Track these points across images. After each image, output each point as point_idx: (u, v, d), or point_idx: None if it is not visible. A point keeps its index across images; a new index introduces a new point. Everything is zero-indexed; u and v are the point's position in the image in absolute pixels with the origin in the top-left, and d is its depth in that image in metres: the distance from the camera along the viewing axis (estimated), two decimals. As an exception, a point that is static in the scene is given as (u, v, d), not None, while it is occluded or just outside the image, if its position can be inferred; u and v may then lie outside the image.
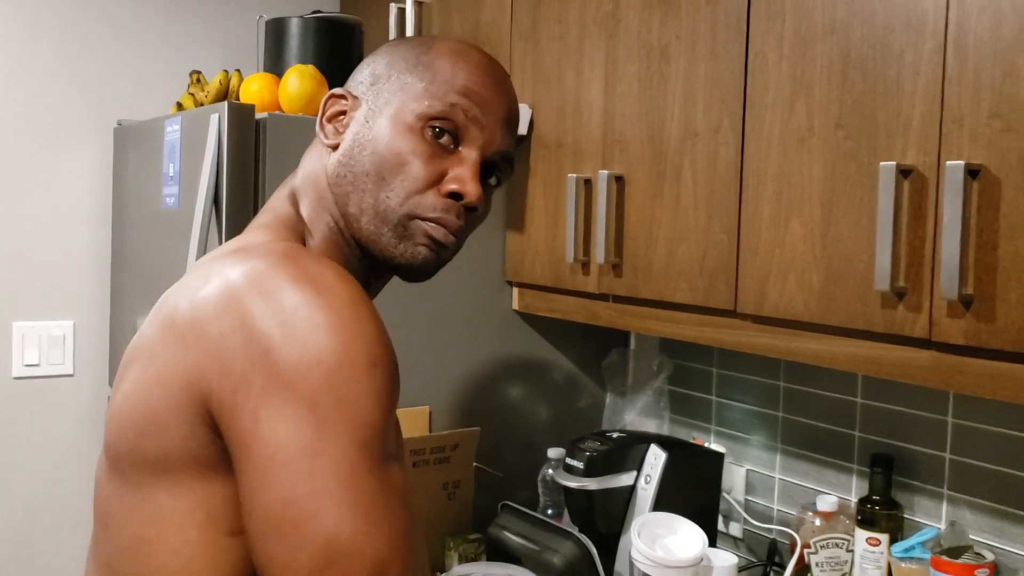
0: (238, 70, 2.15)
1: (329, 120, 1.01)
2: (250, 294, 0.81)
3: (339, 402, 0.78)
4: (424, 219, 0.96)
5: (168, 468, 0.84)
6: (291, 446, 0.76)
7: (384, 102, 0.98)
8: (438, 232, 0.96)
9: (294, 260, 0.85)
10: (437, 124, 0.96)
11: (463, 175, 0.96)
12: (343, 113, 1.01)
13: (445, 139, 0.97)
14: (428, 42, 1.01)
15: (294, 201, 1.02)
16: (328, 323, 0.79)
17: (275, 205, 1.02)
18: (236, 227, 1.74)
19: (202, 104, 2.12)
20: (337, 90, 1.02)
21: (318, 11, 2.09)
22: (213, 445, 0.82)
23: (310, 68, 1.92)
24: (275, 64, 2.07)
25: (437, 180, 0.96)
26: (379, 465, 0.79)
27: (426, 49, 1.00)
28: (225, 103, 1.73)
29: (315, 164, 1.02)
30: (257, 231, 0.98)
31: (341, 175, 0.98)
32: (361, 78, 1.02)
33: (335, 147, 0.99)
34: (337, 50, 2.07)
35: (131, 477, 0.86)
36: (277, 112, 1.81)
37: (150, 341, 0.87)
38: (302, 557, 0.75)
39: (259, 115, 1.77)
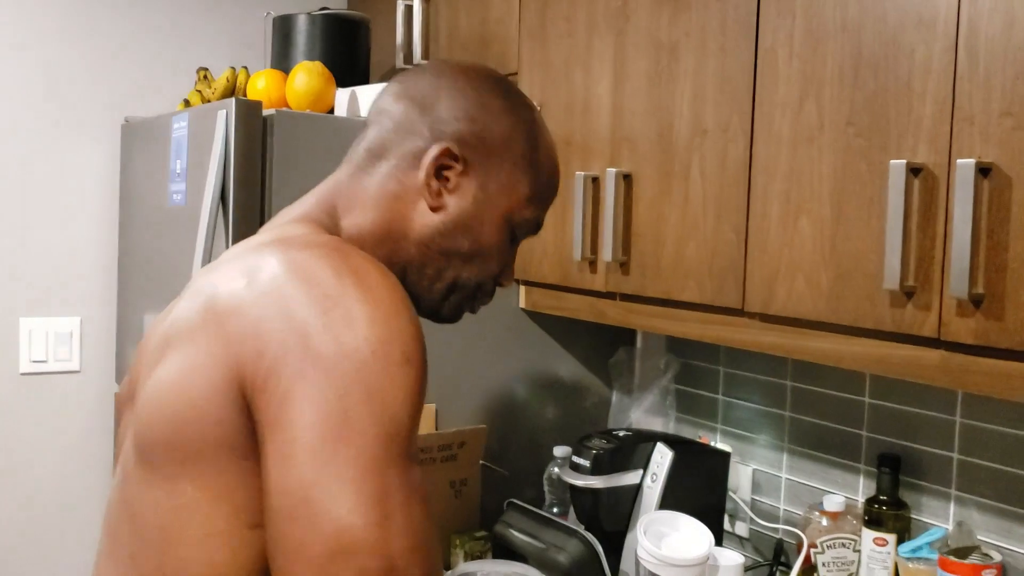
0: (245, 67, 2.15)
1: (436, 175, 1.01)
2: (292, 281, 0.83)
3: (369, 393, 0.78)
4: (478, 297, 1.07)
5: (200, 455, 0.84)
6: (316, 431, 0.77)
7: (495, 191, 1.02)
8: (479, 305, 1.08)
9: (338, 251, 0.87)
10: (525, 231, 1.07)
11: (512, 268, 1.09)
12: (449, 170, 1.01)
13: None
14: (536, 131, 1.06)
15: (332, 208, 1.01)
16: (366, 315, 0.81)
17: (310, 208, 1.02)
18: (243, 223, 1.74)
19: (209, 101, 2.12)
20: (452, 147, 1.01)
21: (325, 8, 2.09)
22: (245, 431, 0.83)
23: (317, 65, 1.92)
24: (282, 61, 2.07)
25: (502, 271, 1.07)
26: (401, 461, 0.79)
27: (534, 143, 1.05)
28: (232, 100, 1.73)
29: (393, 202, 1.01)
30: (293, 224, 0.98)
31: (435, 241, 1.01)
32: (472, 133, 1.02)
33: (436, 210, 1.01)
34: (344, 47, 2.07)
35: (160, 467, 0.85)
36: (284, 109, 1.81)
37: (188, 327, 0.87)
38: (313, 543, 0.76)
39: (266, 112, 1.77)
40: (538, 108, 1.08)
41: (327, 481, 0.76)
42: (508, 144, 1.03)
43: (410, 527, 0.78)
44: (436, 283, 1.03)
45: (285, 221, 1.00)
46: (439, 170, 1.00)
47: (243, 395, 0.82)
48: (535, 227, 1.08)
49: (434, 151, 0.99)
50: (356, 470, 0.76)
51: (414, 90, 1.02)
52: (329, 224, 1.00)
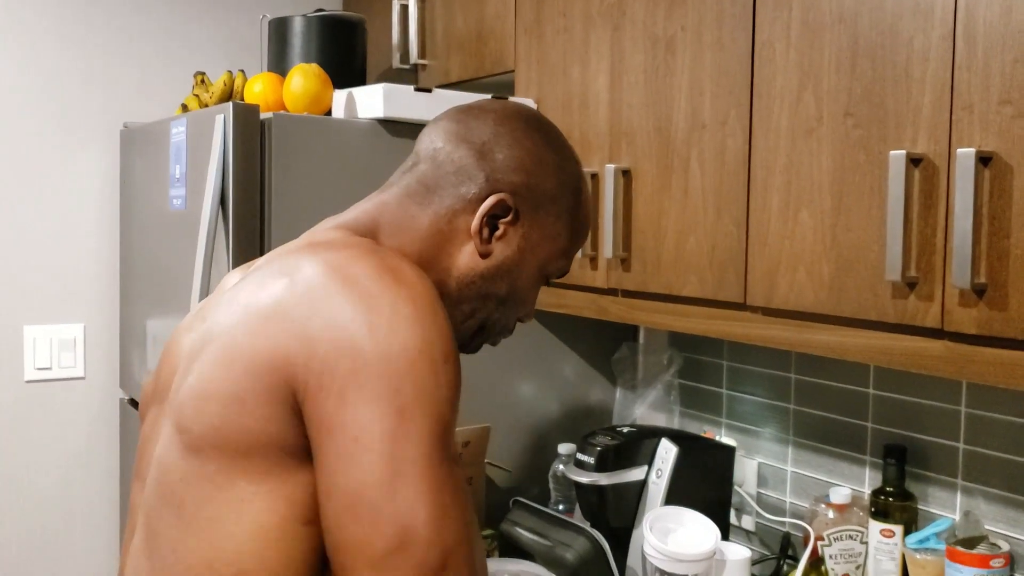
0: (242, 70, 2.15)
1: (487, 221, 1.04)
2: (334, 281, 0.85)
3: (419, 391, 0.81)
4: (501, 334, 1.11)
5: (250, 452, 0.85)
6: (374, 430, 0.79)
7: (537, 240, 1.07)
8: (499, 340, 1.12)
9: (374, 252, 0.89)
10: (555, 276, 1.12)
11: (534, 307, 1.14)
12: (500, 219, 1.04)
13: None
14: (580, 187, 1.10)
15: (374, 226, 1.03)
16: (409, 313, 0.83)
17: (349, 221, 1.03)
18: (243, 227, 1.74)
19: (207, 105, 2.12)
20: (508, 198, 1.04)
21: (320, 9, 2.09)
22: (296, 429, 0.84)
23: (314, 67, 1.91)
24: (279, 64, 2.07)
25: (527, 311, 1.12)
26: (448, 457, 0.82)
27: (578, 199, 1.10)
28: (230, 104, 1.73)
29: (442, 239, 1.03)
30: (328, 231, 1.01)
31: (475, 284, 1.04)
32: (526, 185, 1.05)
33: (483, 255, 1.04)
34: (340, 48, 2.07)
35: (211, 458, 0.86)
36: (282, 112, 1.81)
37: (226, 328, 0.88)
38: (377, 540, 0.78)
39: (264, 115, 1.77)
40: (580, 162, 1.14)
41: (386, 480, 0.78)
42: (556, 198, 1.07)
43: (461, 519, 0.81)
44: (468, 320, 1.06)
45: (321, 229, 1.03)
46: (491, 217, 1.04)
47: (293, 396, 0.83)
48: (565, 272, 1.12)
49: (491, 201, 1.03)
50: (414, 467, 0.79)
51: (475, 135, 1.05)
52: (369, 236, 1.02)
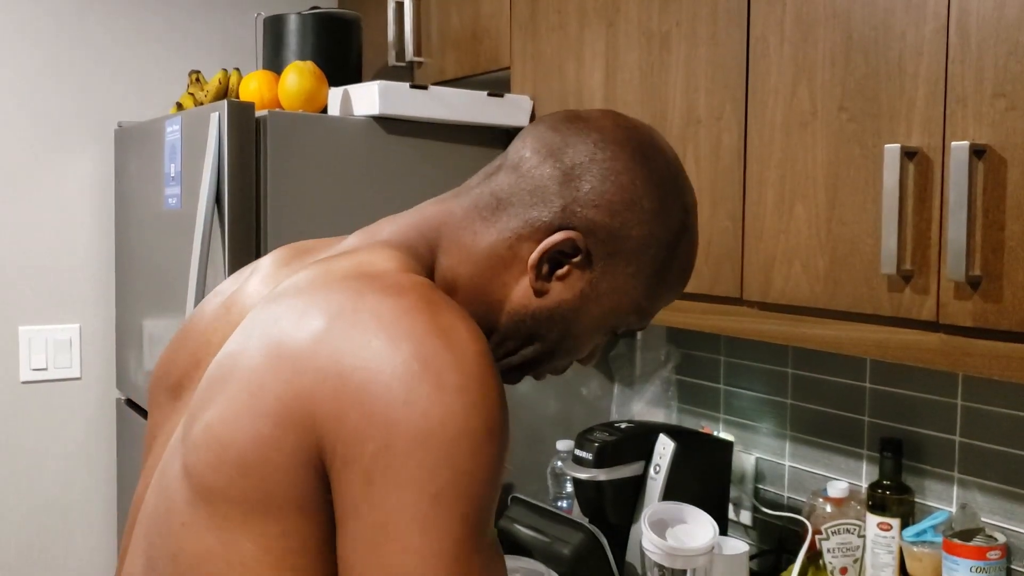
0: (237, 68, 2.15)
1: (551, 256, 0.90)
2: (378, 337, 0.75)
3: (456, 475, 0.72)
4: (548, 373, 0.98)
5: (264, 511, 0.77)
6: (403, 517, 0.71)
7: (606, 291, 0.91)
8: (544, 376, 0.98)
9: (429, 304, 0.78)
10: (626, 332, 0.97)
11: (599, 351, 0.99)
12: (566, 257, 0.90)
13: None
14: (679, 244, 0.93)
15: (435, 237, 0.92)
16: (455, 384, 0.74)
17: (409, 229, 0.93)
18: (239, 225, 1.74)
19: (202, 104, 2.12)
20: (578, 238, 0.89)
21: (316, 7, 2.09)
22: (321, 496, 0.76)
23: (309, 64, 1.91)
24: (274, 61, 2.07)
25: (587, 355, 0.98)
26: (484, 545, 0.74)
27: (670, 257, 0.93)
28: (224, 102, 1.73)
29: (500, 267, 0.91)
30: (383, 250, 0.89)
31: (525, 323, 0.92)
32: (606, 227, 0.89)
33: (537, 293, 0.91)
34: (336, 46, 2.07)
35: (219, 512, 0.78)
36: (277, 110, 1.81)
37: (252, 366, 0.79)
38: None
39: (259, 113, 1.76)
40: (694, 209, 0.96)
41: (411, 573, 0.71)
42: (640, 252, 0.91)
43: None
44: (511, 357, 0.94)
45: (377, 241, 0.91)
46: (557, 253, 0.90)
47: (320, 458, 0.75)
48: (639, 330, 0.98)
49: (559, 237, 0.88)
50: (443, 563, 0.71)
51: (567, 153, 0.90)
52: (425, 255, 0.91)
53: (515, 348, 0.93)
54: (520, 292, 0.91)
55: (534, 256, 0.89)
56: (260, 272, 0.98)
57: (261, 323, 0.82)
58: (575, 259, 0.90)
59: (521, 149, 0.93)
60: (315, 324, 0.78)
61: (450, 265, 0.91)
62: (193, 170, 1.85)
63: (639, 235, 0.90)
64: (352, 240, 0.95)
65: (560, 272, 0.90)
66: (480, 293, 0.91)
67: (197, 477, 0.80)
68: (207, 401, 0.82)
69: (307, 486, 0.76)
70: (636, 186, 0.90)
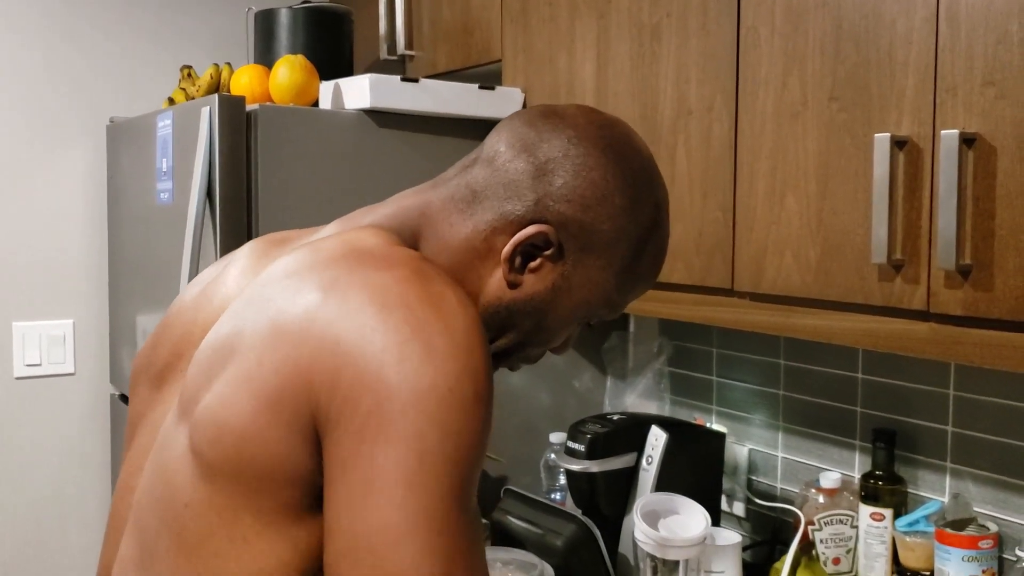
0: (229, 63, 2.15)
1: (524, 249, 0.92)
2: (370, 305, 0.78)
3: (444, 435, 0.74)
4: (522, 361, 1.00)
5: (264, 488, 0.79)
6: (390, 473, 0.73)
7: (578, 284, 0.94)
8: (519, 366, 1.01)
9: (419, 275, 0.81)
10: (599, 321, 0.99)
11: (571, 341, 1.01)
12: (538, 250, 0.92)
13: None
14: (649, 238, 0.96)
15: (415, 227, 0.94)
16: (445, 349, 0.76)
17: (389, 218, 0.94)
18: (231, 219, 1.74)
19: (194, 98, 2.11)
20: (550, 231, 0.91)
21: (307, 1, 2.08)
22: (315, 465, 0.78)
23: (299, 58, 1.91)
24: (265, 56, 2.06)
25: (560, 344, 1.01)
26: (467, 507, 0.76)
27: (640, 250, 0.95)
28: (215, 96, 1.72)
29: (475, 258, 0.93)
30: (368, 232, 0.91)
31: (499, 313, 0.94)
32: (578, 221, 0.92)
33: (510, 284, 0.93)
34: (327, 39, 2.06)
35: (222, 490, 0.80)
36: (268, 103, 1.80)
37: (251, 345, 0.81)
38: None
39: (250, 107, 1.76)
40: (664, 205, 0.98)
41: (395, 528, 0.72)
42: (611, 246, 0.93)
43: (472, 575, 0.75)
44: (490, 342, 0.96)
45: (359, 225, 0.93)
46: (530, 246, 0.92)
47: (315, 429, 0.77)
48: (612, 320, 1.00)
49: (530, 230, 0.91)
50: (426, 518, 0.73)
51: (541, 148, 0.92)
52: (409, 240, 0.93)
53: (490, 338, 0.95)
54: (494, 284, 0.93)
55: (507, 249, 0.91)
56: (238, 263, 0.99)
57: (255, 305, 0.84)
58: (547, 252, 0.92)
59: (496, 143, 0.95)
60: (310, 298, 0.80)
61: (430, 254, 0.93)
62: (185, 165, 1.85)
63: (610, 230, 0.93)
64: (332, 227, 0.97)
65: (533, 265, 0.92)
66: (458, 282, 0.92)
67: (200, 455, 0.81)
68: (205, 383, 0.83)
69: (303, 457, 0.78)
70: (608, 182, 0.92)
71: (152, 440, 0.95)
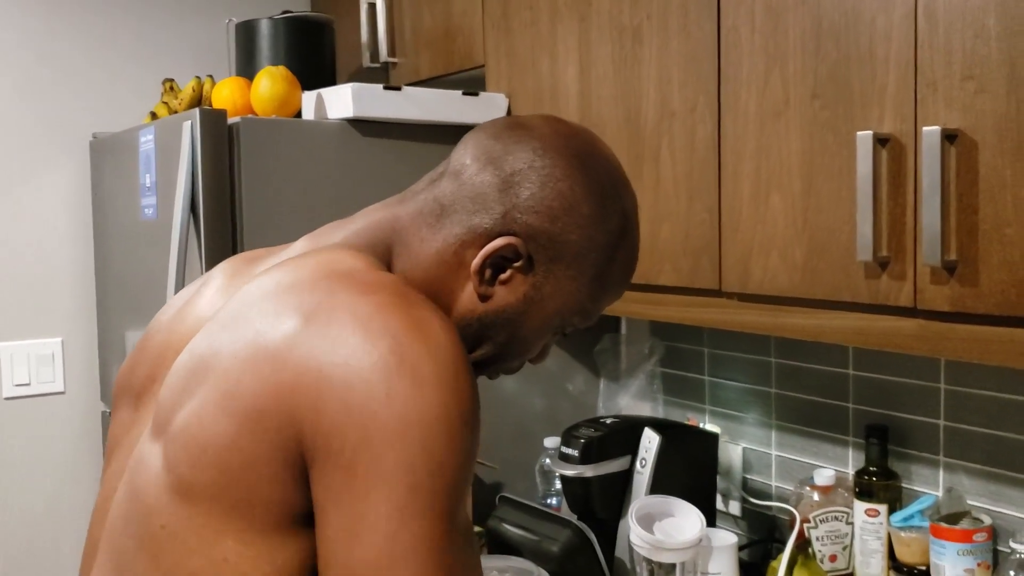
0: (211, 76, 2.14)
1: (494, 262, 0.92)
2: (355, 333, 0.77)
3: (434, 465, 0.75)
4: (501, 372, 1.01)
5: (247, 510, 0.78)
6: (382, 507, 0.73)
7: (549, 294, 0.94)
8: (497, 376, 1.01)
9: (403, 300, 0.81)
10: (573, 330, 1.00)
11: (548, 350, 1.02)
12: (508, 262, 0.92)
13: None
14: (618, 246, 0.96)
15: (387, 243, 0.94)
16: (431, 377, 0.76)
17: (361, 235, 0.94)
18: (215, 233, 1.73)
19: (176, 112, 2.10)
20: (519, 243, 0.91)
21: (287, 11, 2.07)
22: (302, 492, 0.78)
23: (281, 69, 1.90)
24: (247, 67, 2.05)
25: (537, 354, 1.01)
26: (460, 536, 0.76)
27: (610, 259, 0.95)
28: (197, 110, 1.71)
29: (446, 272, 0.93)
30: (345, 252, 0.90)
31: (472, 325, 0.94)
32: (546, 232, 0.92)
33: (481, 297, 0.93)
34: (308, 49, 2.05)
35: (202, 510, 0.79)
36: (250, 116, 1.79)
37: (227, 367, 0.80)
38: None
39: (232, 120, 1.75)
40: (633, 213, 0.98)
41: (389, 561, 0.73)
42: (581, 255, 0.93)
43: None
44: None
45: (334, 243, 0.93)
46: (500, 258, 0.92)
47: (300, 452, 0.77)
48: (586, 327, 1.01)
49: (499, 243, 0.91)
50: (418, 551, 0.73)
51: (507, 161, 0.92)
52: (384, 257, 0.93)
53: (476, 355, 0.96)
54: (467, 297, 0.93)
55: (476, 261, 0.91)
56: (213, 283, 0.99)
57: (232, 325, 0.83)
58: (517, 264, 0.92)
59: (463, 156, 0.95)
60: (291, 323, 0.79)
61: (402, 269, 0.93)
62: (168, 180, 1.84)
63: (579, 239, 0.93)
64: (302, 244, 0.96)
65: (503, 277, 0.92)
66: (430, 298, 0.91)
67: (176, 474, 0.81)
68: (179, 401, 0.83)
69: (286, 482, 0.78)
70: (575, 192, 0.92)
71: (127, 462, 0.95)
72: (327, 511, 0.75)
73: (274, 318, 0.81)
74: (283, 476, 0.78)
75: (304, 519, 0.79)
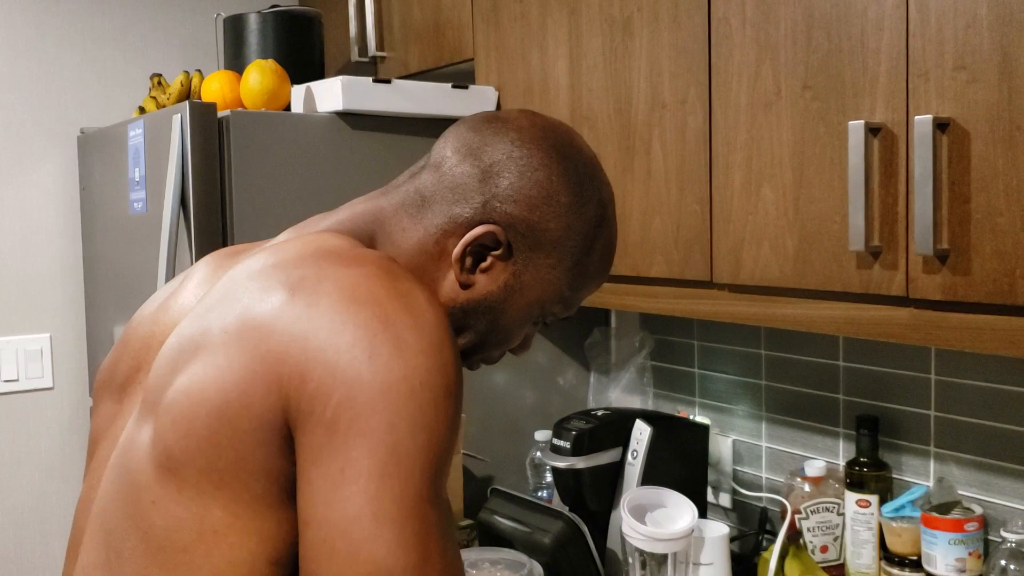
0: (199, 70, 2.13)
1: (474, 250, 0.94)
2: (340, 301, 0.79)
3: (415, 427, 0.76)
4: (483, 362, 1.02)
5: (235, 480, 0.80)
6: (363, 464, 0.74)
7: (529, 282, 0.96)
8: (479, 366, 1.03)
9: (387, 272, 0.83)
10: (554, 319, 1.02)
11: (530, 340, 1.03)
12: (488, 250, 0.95)
13: None
14: (597, 235, 0.98)
15: (371, 232, 0.96)
16: (415, 344, 0.78)
17: (345, 223, 0.96)
18: (205, 227, 1.72)
19: (164, 106, 2.09)
20: (499, 231, 0.94)
21: (276, 5, 2.07)
22: (287, 458, 0.79)
23: (270, 63, 1.89)
24: (235, 61, 2.04)
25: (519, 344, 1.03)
26: (439, 498, 0.77)
27: (589, 247, 0.98)
28: (186, 103, 1.70)
29: (427, 261, 0.95)
30: (329, 235, 0.92)
31: (453, 314, 0.96)
32: (525, 221, 0.94)
33: (462, 285, 0.95)
34: (297, 43, 2.05)
35: (190, 483, 0.80)
36: (240, 109, 1.79)
37: (222, 337, 0.82)
38: None
39: (221, 113, 1.74)
40: (610, 203, 1.01)
41: (370, 518, 0.73)
42: (559, 244, 0.96)
43: (447, 568, 0.76)
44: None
45: (318, 230, 0.94)
46: (480, 247, 0.94)
47: (285, 419, 0.78)
48: (566, 316, 1.03)
49: (479, 231, 0.93)
50: (399, 508, 0.74)
51: (485, 152, 0.95)
52: (366, 244, 0.95)
53: (460, 343, 0.97)
54: (448, 286, 0.95)
55: (457, 249, 0.94)
56: (195, 276, 1.00)
57: (220, 305, 0.85)
58: (497, 252, 0.94)
59: (443, 149, 0.97)
60: (278, 296, 0.81)
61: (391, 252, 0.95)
62: (158, 174, 1.83)
63: (557, 228, 0.95)
64: (285, 236, 0.98)
65: (484, 265, 0.95)
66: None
67: (164, 450, 0.82)
68: (169, 378, 0.84)
69: (273, 449, 0.79)
70: (552, 182, 0.95)
71: (112, 451, 0.95)
72: (307, 469, 0.77)
73: (261, 292, 0.82)
74: (270, 444, 0.79)
75: (291, 490, 0.80)
